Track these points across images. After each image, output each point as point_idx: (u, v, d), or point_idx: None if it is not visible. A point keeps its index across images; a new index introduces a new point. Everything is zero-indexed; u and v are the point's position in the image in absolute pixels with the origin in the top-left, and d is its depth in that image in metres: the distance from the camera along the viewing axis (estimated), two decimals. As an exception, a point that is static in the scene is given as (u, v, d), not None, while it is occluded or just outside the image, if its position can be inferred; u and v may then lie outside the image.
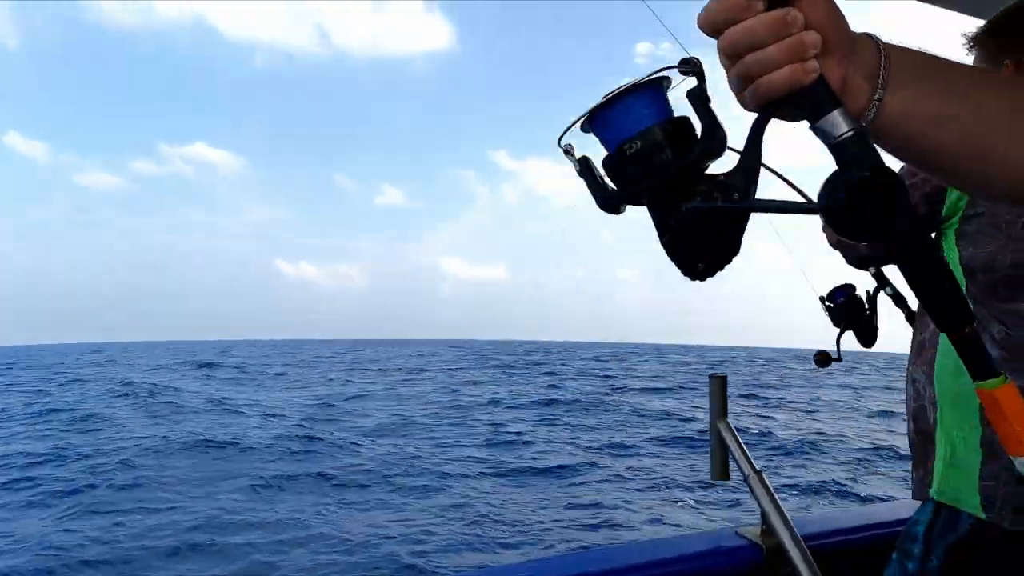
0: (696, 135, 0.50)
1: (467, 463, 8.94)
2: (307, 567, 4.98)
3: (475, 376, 27.89)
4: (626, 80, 0.51)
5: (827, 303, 1.45)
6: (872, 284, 1.45)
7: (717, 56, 0.47)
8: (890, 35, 0.47)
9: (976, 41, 0.97)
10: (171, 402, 15.82)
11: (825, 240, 1.38)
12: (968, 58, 0.99)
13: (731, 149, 0.50)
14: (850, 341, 1.47)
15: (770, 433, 11.35)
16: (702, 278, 0.53)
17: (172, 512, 6.42)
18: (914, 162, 0.51)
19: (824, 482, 7.75)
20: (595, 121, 0.52)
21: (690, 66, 0.48)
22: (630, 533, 5.83)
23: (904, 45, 0.47)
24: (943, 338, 0.90)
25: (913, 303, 1.44)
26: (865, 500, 7.08)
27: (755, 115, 0.47)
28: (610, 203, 0.54)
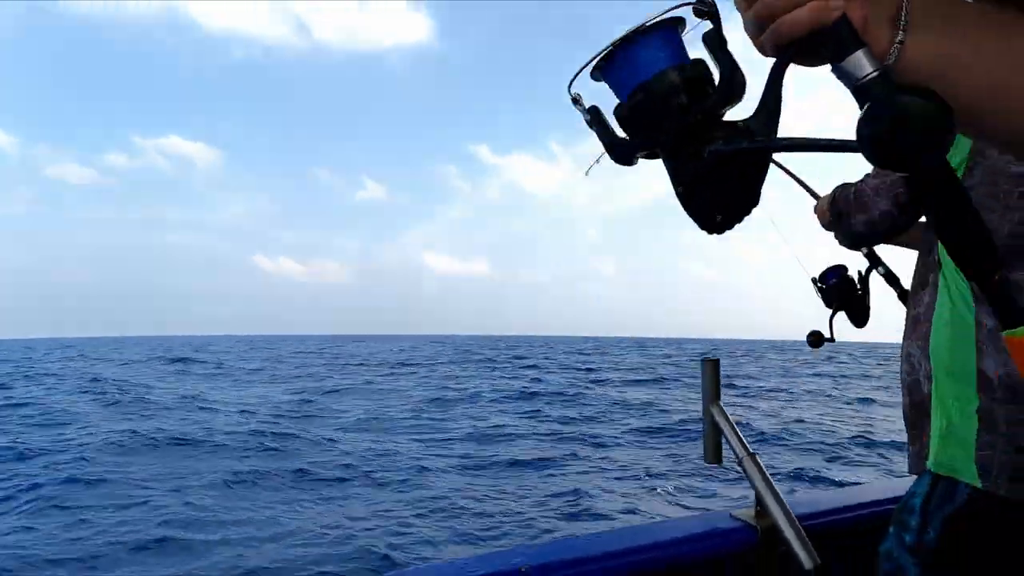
0: (713, 80, 0.48)
1: (447, 457, 8.86)
2: (280, 561, 4.86)
3: (456, 371, 27.82)
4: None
5: (819, 284, 1.45)
6: (864, 265, 1.44)
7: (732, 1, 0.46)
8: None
9: None
10: (141, 398, 15.45)
11: (818, 223, 1.35)
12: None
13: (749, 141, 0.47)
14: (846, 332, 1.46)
15: (747, 424, 11.45)
16: (720, 231, 0.51)
17: (140, 508, 6.24)
18: None
19: (801, 468, 7.83)
20: (606, 66, 0.50)
21: (705, 6, 0.46)
22: (611, 523, 5.79)
23: None
24: (939, 310, 0.92)
25: (905, 281, 1.41)
26: (841, 486, 7.16)
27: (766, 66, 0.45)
28: (624, 153, 0.52)
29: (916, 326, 1.12)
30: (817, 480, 7.50)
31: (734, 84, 0.47)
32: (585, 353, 48.46)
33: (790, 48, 0.44)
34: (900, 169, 0.40)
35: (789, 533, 1.15)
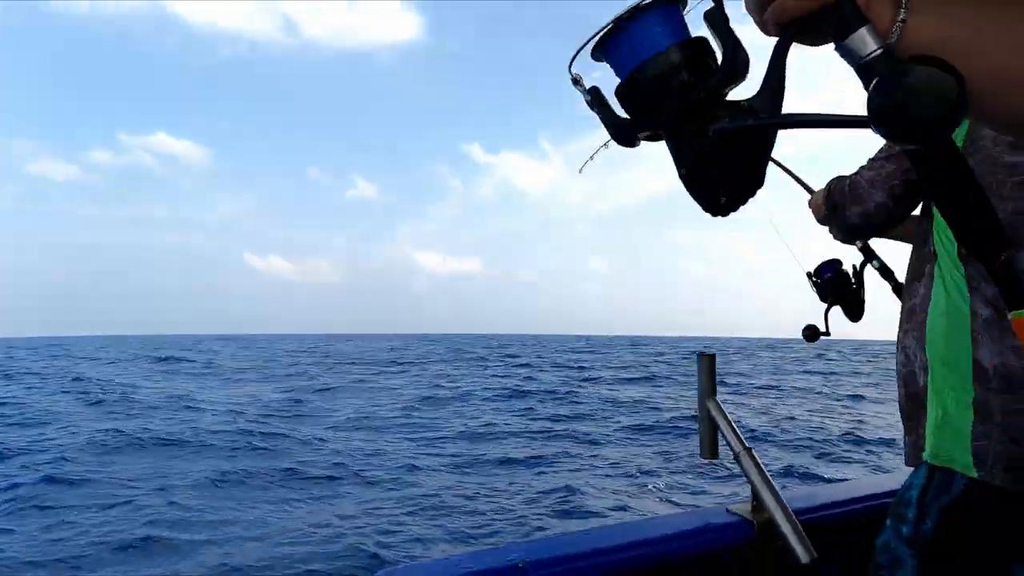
0: (716, 58, 0.48)
1: (439, 456, 8.81)
2: (267, 559, 4.79)
3: (448, 369, 27.77)
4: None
5: (815, 279, 1.45)
6: (859, 259, 1.44)
7: None
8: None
9: None
10: (126, 396, 15.27)
11: (812, 218, 1.35)
12: None
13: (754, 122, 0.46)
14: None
15: (738, 421, 11.45)
16: (724, 213, 0.51)
17: (123, 508, 6.15)
18: None
19: (791, 465, 7.86)
20: (606, 45, 0.49)
21: None
22: (602, 520, 5.77)
23: None
24: (934, 300, 0.93)
25: (900, 274, 1.41)
26: (830, 483, 7.19)
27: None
28: (626, 134, 0.51)
29: (911, 317, 1.11)
30: (807, 477, 7.53)
31: (737, 63, 0.46)
32: (578, 351, 48.55)
33: (792, 26, 0.44)
34: (912, 142, 0.39)
35: (786, 528, 1.14)
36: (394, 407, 14.28)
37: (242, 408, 13.61)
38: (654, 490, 6.89)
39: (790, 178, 1.52)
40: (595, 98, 0.52)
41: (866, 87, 0.40)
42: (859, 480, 1.77)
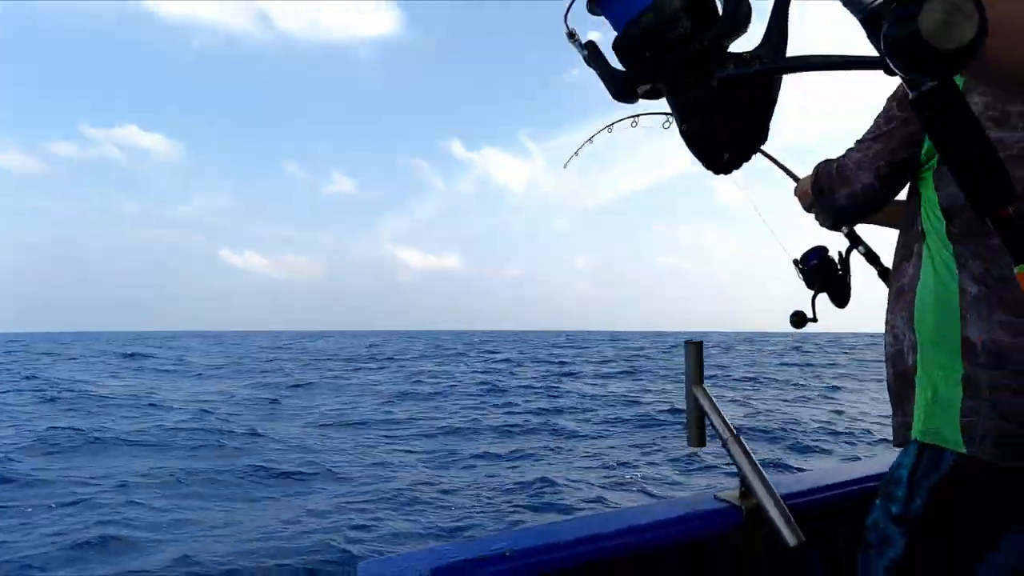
0: (717, 9, 0.47)
1: (416, 452, 8.68)
2: (234, 555, 4.62)
3: (428, 365, 27.59)
4: None
5: (800, 266, 1.46)
6: (844, 246, 1.45)
7: None
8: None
9: None
10: (85, 394, 14.76)
11: (798, 206, 1.37)
12: None
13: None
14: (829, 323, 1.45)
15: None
16: (727, 170, 0.51)
17: (78, 507, 5.88)
18: None
19: (767, 458, 7.89)
20: None
21: None
22: (582, 513, 5.69)
23: None
24: (923, 279, 0.95)
25: (886, 259, 1.43)
26: (814, 469, 7.21)
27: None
28: (624, 89, 0.50)
29: (900, 297, 1.11)
30: (784, 468, 7.56)
31: (739, 14, 0.46)
32: (559, 347, 48.71)
33: None
34: (932, 73, 0.38)
35: (774, 512, 1.15)
36: (372, 403, 14.10)
37: (211, 407, 13.27)
38: (634, 481, 6.84)
39: (775, 166, 1.52)
40: (592, 53, 0.51)
41: (872, 40, 0.40)
42: (845, 465, 1.75)
